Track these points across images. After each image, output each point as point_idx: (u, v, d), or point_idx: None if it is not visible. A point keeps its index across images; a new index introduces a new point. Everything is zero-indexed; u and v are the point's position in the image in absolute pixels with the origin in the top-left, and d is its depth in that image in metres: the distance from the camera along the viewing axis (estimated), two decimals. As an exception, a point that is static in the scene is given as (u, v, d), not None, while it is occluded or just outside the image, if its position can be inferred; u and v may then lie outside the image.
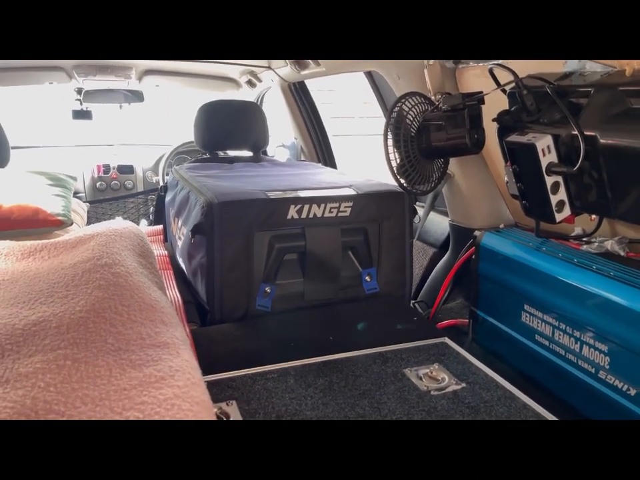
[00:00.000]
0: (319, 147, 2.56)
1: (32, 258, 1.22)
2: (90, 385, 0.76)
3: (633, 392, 0.93)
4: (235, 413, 0.99)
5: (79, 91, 2.96)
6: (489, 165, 1.46)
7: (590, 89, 0.95)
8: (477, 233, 1.36)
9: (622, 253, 1.04)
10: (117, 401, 0.73)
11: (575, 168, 0.93)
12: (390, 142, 1.23)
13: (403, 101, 1.22)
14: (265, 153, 3.49)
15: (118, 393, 0.75)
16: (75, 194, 3.17)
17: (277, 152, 3.84)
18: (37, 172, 1.75)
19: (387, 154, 1.23)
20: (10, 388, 0.74)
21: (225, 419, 0.98)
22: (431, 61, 1.24)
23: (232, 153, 2.49)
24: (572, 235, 1.19)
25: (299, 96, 2.50)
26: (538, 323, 1.14)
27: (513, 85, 1.10)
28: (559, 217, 1.02)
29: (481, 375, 1.14)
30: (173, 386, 0.77)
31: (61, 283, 1.04)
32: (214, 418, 0.77)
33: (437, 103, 1.19)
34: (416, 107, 1.24)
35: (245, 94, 3.04)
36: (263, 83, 2.68)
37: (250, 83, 2.79)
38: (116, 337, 0.88)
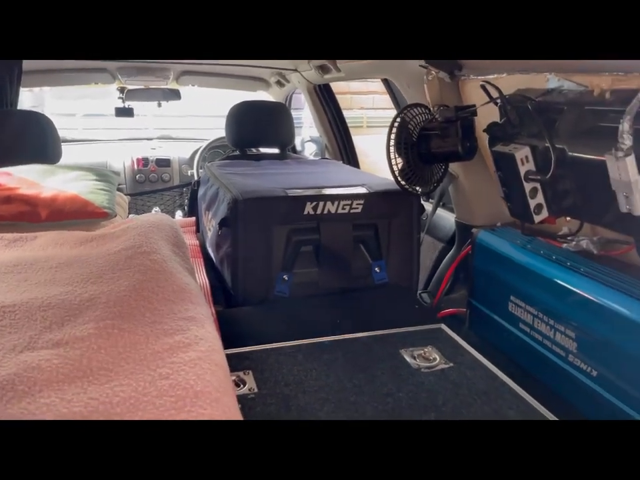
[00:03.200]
0: (342, 146, 2.71)
1: (83, 246, 1.42)
2: (132, 349, 0.95)
3: (595, 373, 1.07)
4: (250, 380, 1.17)
5: (122, 90, 3.19)
6: (489, 168, 1.58)
7: (564, 107, 1.08)
8: (474, 230, 1.49)
9: (595, 251, 1.16)
10: (153, 361, 0.91)
11: (548, 176, 1.06)
12: (392, 148, 1.38)
13: (405, 111, 1.37)
14: (294, 145, 3.67)
15: (153, 355, 0.94)
16: (117, 186, 3.43)
17: (306, 146, 4.02)
18: (86, 168, 1.96)
19: (389, 159, 1.38)
20: (69, 348, 0.94)
21: (241, 385, 1.16)
22: (430, 76, 1.37)
23: (261, 149, 2.68)
24: (559, 233, 1.32)
25: (324, 97, 2.65)
26: (521, 312, 1.28)
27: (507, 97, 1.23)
28: (537, 218, 1.15)
29: (468, 357, 1.28)
30: (197, 350, 0.95)
31: (107, 266, 1.24)
32: (229, 378, 0.94)
33: (434, 115, 1.33)
34: (417, 116, 1.38)
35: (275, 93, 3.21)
36: (291, 83, 2.84)
37: (279, 83, 2.96)
38: (152, 312, 1.07)
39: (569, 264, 1.16)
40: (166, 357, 0.93)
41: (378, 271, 1.68)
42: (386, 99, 2.51)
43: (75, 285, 1.16)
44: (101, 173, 1.95)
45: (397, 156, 1.40)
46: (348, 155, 2.75)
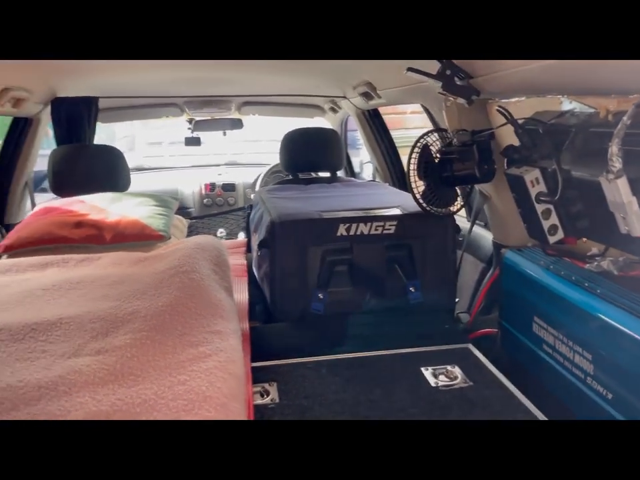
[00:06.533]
0: (392, 168, 2.77)
1: (137, 266, 1.59)
2: (160, 358, 1.07)
3: (610, 396, 1.05)
4: (273, 391, 1.26)
5: (190, 121, 3.46)
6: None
7: (573, 129, 1.09)
8: (502, 250, 1.50)
9: (615, 272, 1.14)
10: (175, 369, 1.03)
11: (556, 197, 1.07)
12: (413, 172, 1.43)
13: (425, 137, 1.42)
14: (351, 169, 3.77)
15: (178, 364, 1.05)
16: (186, 209, 3.70)
17: (364, 167, 4.11)
18: (148, 194, 2.16)
19: (410, 182, 1.43)
20: (108, 355, 1.07)
21: (265, 395, 1.25)
22: (448, 102, 1.41)
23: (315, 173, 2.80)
24: (587, 254, 1.30)
25: (372, 121, 2.73)
26: (544, 333, 1.27)
27: (523, 121, 1.25)
28: (551, 239, 1.15)
29: (490, 377, 1.29)
30: (215, 360, 1.05)
31: (152, 284, 1.38)
32: (242, 386, 1.03)
33: (452, 139, 1.37)
34: (438, 141, 1.42)
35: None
36: (343, 109, 2.96)
37: (332, 109, 3.09)
38: (183, 325, 1.19)
39: (586, 285, 1.15)
40: (187, 366, 1.04)
41: (413, 290, 1.71)
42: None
43: (123, 300, 1.31)
44: (161, 199, 2.14)
45: (417, 179, 1.45)
46: (399, 177, 2.79)
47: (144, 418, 0.88)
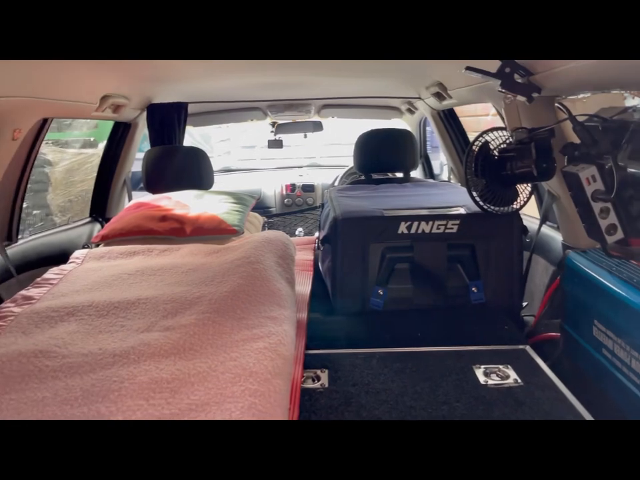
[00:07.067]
0: (467, 168, 2.73)
1: (210, 256, 1.72)
2: (218, 337, 1.18)
3: (665, 404, 1.00)
4: (324, 377, 1.32)
5: (272, 124, 3.62)
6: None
7: (632, 125, 1.05)
8: (566, 251, 1.45)
9: (679, 276, 1.09)
10: (230, 347, 1.13)
11: (612, 195, 1.04)
12: (471, 170, 1.43)
13: (483, 135, 1.41)
14: (430, 170, 3.74)
15: (232, 343, 1.15)
16: (267, 208, 3.87)
17: (444, 169, 4.07)
18: (228, 192, 2.32)
19: (467, 180, 1.43)
20: (174, 332, 1.20)
21: (315, 380, 1.31)
22: (507, 100, 1.39)
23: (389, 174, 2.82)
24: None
25: (447, 122, 2.71)
26: (603, 337, 1.22)
27: (586, 117, 1.22)
28: (610, 239, 1.11)
29: (543, 379, 1.27)
30: (266, 342, 1.14)
31: (220, 272, 1.50)
32: (288, 367, 1.11)
33: (510, 137, 1.35)
34: (496, 139, 1.41)
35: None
36: (419, 110, 2.96)
37: (409, 110, 3.10)
38: (242, 309, 1.29)
39: (647, 287, 1.10)
40: (241, 345, 1.14)
41: (475, 291, 1.71)
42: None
43: (193, 286, 1.44)
44: (239, 197, 2.28)
45: (474, 177, 1.44)
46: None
47: (196, 386, 0.99)
